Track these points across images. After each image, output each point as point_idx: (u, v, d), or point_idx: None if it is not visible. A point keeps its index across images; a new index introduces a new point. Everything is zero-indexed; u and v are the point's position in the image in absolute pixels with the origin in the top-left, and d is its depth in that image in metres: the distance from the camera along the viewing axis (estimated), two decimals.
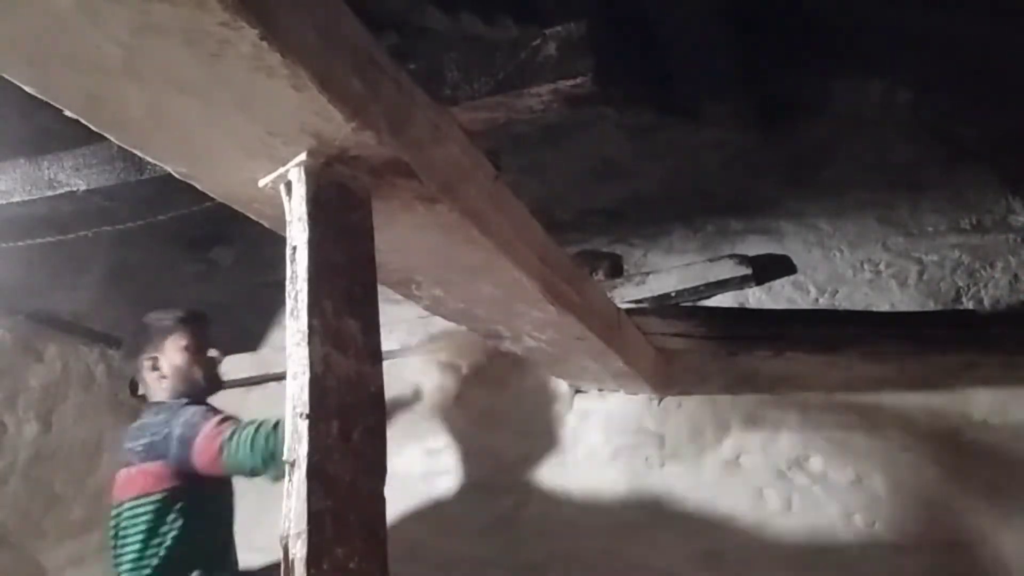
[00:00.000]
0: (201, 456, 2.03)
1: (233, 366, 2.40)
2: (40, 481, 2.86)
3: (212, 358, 2.32)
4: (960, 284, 2.52)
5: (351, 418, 1.12)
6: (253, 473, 2.02)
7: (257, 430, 1.98)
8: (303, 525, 1.03)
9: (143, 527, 2.09)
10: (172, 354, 2.27)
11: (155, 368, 2.27)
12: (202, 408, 2.13)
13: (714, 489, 2.50)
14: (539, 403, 2.75)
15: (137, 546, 2.09)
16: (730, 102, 2.70)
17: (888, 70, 2.58)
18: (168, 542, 2.08)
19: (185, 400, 2.19)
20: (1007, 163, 2.54)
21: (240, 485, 2.28)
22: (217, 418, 2.07)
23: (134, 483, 2.12)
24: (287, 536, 1.04)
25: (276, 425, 1.95)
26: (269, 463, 1.96)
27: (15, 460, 2.81)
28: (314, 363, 1.10)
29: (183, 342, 2.28)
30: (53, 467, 2.90)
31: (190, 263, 3.30)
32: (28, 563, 2.80)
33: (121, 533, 2.12)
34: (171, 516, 2.09)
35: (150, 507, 2.09)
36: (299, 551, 1.02)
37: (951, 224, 2.60)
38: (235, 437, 1.99)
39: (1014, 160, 2.53)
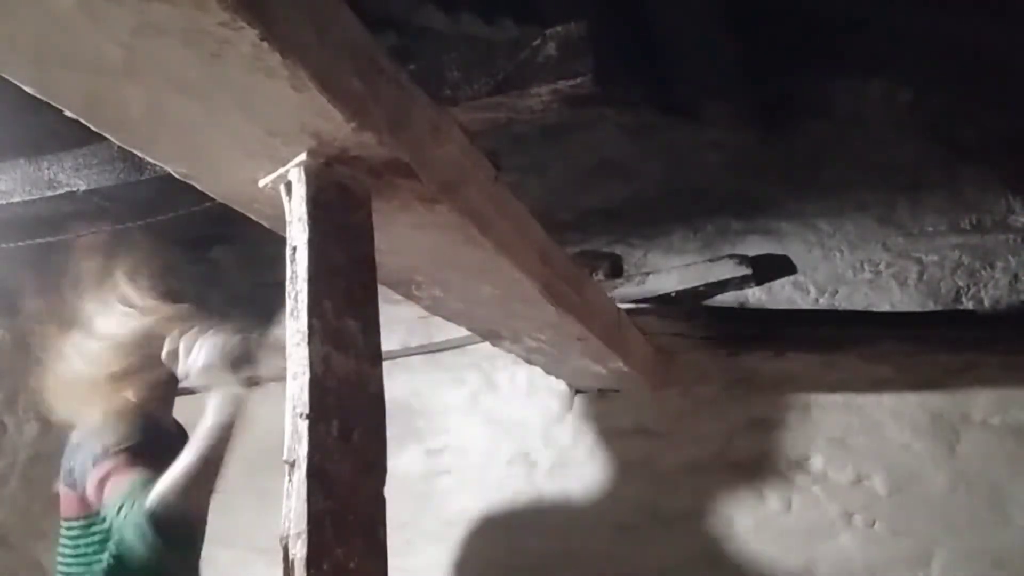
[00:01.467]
0: (96, 502, 1.83)
1: None
2: (40, 481, 2.85)
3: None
4: (960, 284, 2.52)
5: (351, 418, 1.12)
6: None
7: (119, 510, 1.70)
8: (303, 525, 1.03)
9: (67, 551, 1.93)
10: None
11: None
12: (90, 449, 1.87)
13: (714, 489, 2.50)
14: (539, 403, 2.75)
15: (65, 570, 1.94)
16: (730, 102, 2.70)
17: (888, 70, 2.57)
18: (97, 571, 1.88)
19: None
20: (1007, 163, 2.53)
21: (239, 484, 2.27)
22: (102, 470, 1.80)
23: (61, 504, 1.98)
24: (287, 536, 1.04)
25: (150, 511, 1.64)
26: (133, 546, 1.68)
27: (15, 460, 2.81)
28: (314, 363, 1.10)
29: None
30: (53, 467, 2.88)
31: (190, 263, 3.30)
32: (28, 563, 2.80)
33: (57, 551, 1.98)
34: (92, 546, 1.89)
35: (72, 532, 1.93)
36: (299, 551, 1.02)
37: (951, 224, 2.59)
38: (110, 507, 1.74)
39: (1014, 160, 2.53)
